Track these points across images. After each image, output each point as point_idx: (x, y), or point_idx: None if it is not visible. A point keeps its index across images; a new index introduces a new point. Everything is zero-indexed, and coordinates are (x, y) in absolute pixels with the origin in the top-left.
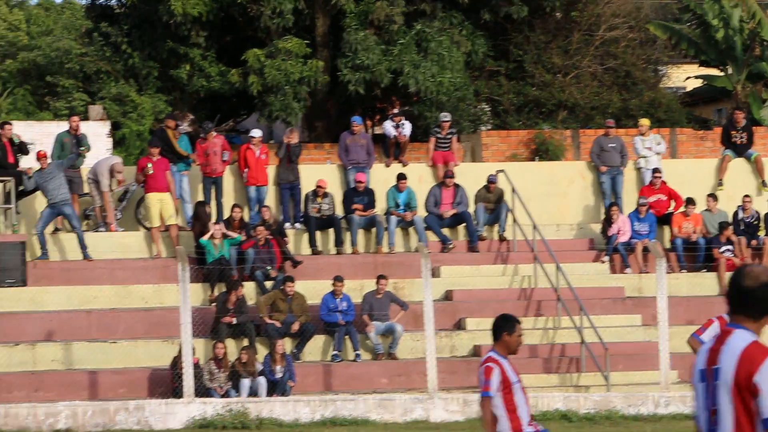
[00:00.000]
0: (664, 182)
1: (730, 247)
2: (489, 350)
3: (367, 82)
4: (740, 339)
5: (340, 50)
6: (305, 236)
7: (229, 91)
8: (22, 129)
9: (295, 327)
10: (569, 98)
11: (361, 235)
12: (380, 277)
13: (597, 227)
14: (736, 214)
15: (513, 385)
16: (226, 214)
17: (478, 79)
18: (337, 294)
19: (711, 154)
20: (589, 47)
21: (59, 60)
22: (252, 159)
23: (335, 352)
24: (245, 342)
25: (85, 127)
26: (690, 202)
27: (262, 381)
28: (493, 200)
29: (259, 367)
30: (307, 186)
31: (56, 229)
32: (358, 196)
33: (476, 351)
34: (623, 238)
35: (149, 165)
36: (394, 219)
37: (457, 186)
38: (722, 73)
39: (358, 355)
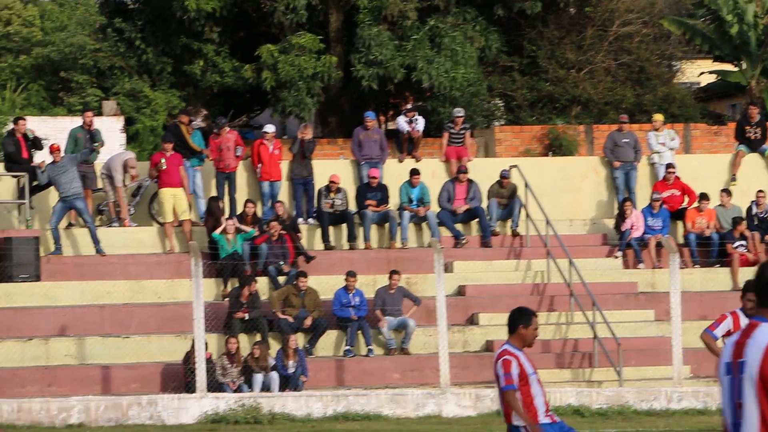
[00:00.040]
0: (677, 177)
1: (743, 242)
2: (504, 343)
3: (380, 78)
4: (766, 332)
5: (354, 46)
6: (318, 231)
7: (243, 86)
8: (36, 124)
9: (308, 322)
10: (583, 93)
11: (374, 230)
12: (393, 273)
13: (610, 222)
14: (749, 209)
15: (530, 376)
16: (239, 210)
17: (492, 74)
18: (349, 289)
19: (725, 149)
20: (602, 42)
21: (73, 56)
22: (265, 154)
23: (348, 347)
24: (258, 337)
25: (99, 123)
26: (703, 197)
27: (274, 376)
28: (506, 195)
29: (271, 362)
30: (320, 181)
31: (70, 225)
32: (371, 191)
33: (489, 346)
34: (636, 233)
35: (162, 160)
36: (407, 214)
37: (470, 181)
38: (736, 69)
39: (370, 350)
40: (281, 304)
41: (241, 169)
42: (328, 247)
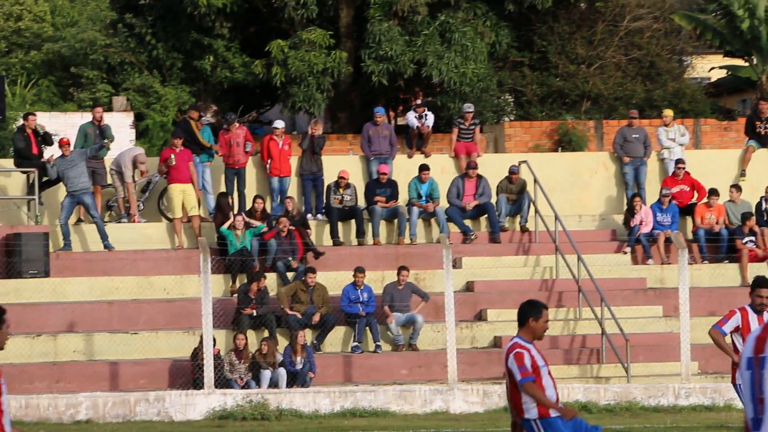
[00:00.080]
0: (687, 173)
1: (752, 238)
2: (514, 336)
3: (390, 73)
4: None
5: (364, 41)
6: (327, 227)
7: (253, 82)
8: (46, 120)
9: (316, 318)
10: (593, 89)
11: (382, 226)
12: (401, 269)
13: (619, 218)
14: (759, 204)
15: (541, 369)
16: (248, 206)
17: (502, 69)
18: (358, 285)
19: (735, 144)
20: (613, 38)
21: (84, 51)
22: (275, 150)
23: (356, 344)
24: (266, 333)
25: (109, 118)
26: (713, 192)
27: (282, 372)
28: (515, 191)
29: (279, 358)
30: (329, 177)
31: (79, 220)
32: (380, 187)
33: (497, 342)
34: (645, 229)
35: (172, 156)
36: (416, 210)
37: (479, 177)
38: (747, 64)
39: (378, 347)
40: (289, 300)
41: (251, 165)
42: (336, 242)
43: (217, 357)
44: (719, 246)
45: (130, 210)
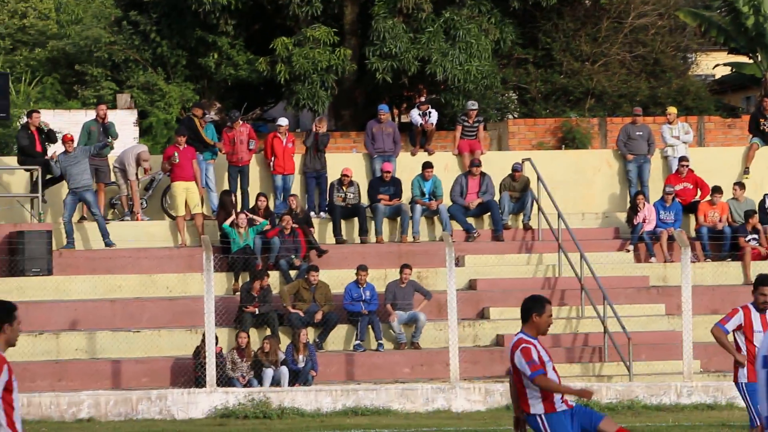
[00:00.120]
0: (690, 170)
1: (756, 235)
2: (518, 332)
3: (394, 71)
4: None
5: (368, 38)
6: (330, 225)
7: (257, 79)
8: (50, 118)
9: (318, 316)
10: (597, 86)
11: (385, 223)
12: (404, 267)
13: (622, 216)
14: (762, 202)
15: (546, 364)
16: (251, 203)
17: (506, 66)
18: (360, 283)
19: (739, 142)
20: (618, 35)
21: (88, 49)
22: (279, 148)
23: (358, 342)
24: (268, 331)
25: (113, 116)
26: (716, 190)
27: (284, 370)
28: (518, 189)
29: (281, 356)
30: (332, 175)
31: (82, 218)
32: (384, 185)
33: (499, 341)
34: (649, 226)
35: (176, 154)
36: (418, 208)
37: (483, 175)
38: (751, 61)
39: (380, 345)
40: (292, 298)
41: (254, 163)
42: (339, 240)
43: (219, 355)
44: (722, 244)
45: (133, 208)
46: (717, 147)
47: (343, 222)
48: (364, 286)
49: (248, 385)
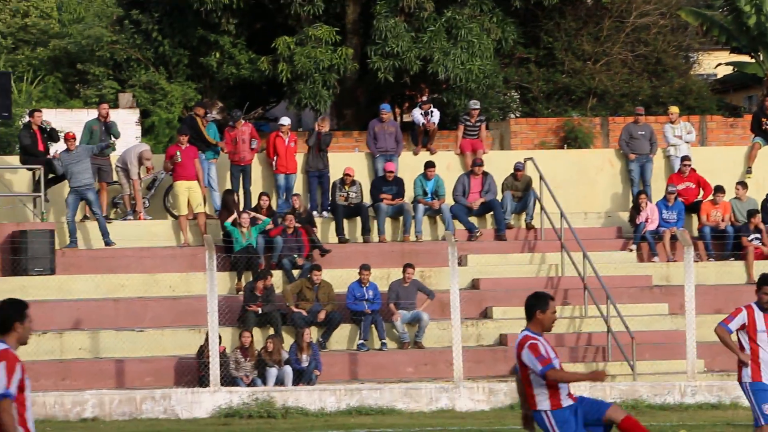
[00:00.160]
0: (693, 170)
1: (758, 235)
2: (523, 330)
3: (396, 70)
4: None
5: (370, 37)
6: (332, 224)
7: (259, 78)
8: (52, 117)
9: (322, 316)
10: (599, 85)
11: (388, 223)
12: (407, 266)
13: (625, 215)
14: (765, 201)
15: (552, 361)
16: (253, 203)
17: (508, 66)
18: (363, 283)
19: (741, 141)
20: (619, 34)
21: (90, 48)
22: (281, 147)
23: (361, 341)
24: (271, 331)
25: (115, 115)
26: (719, 190)
27: (288, 370)
28: (520, 188)
29: (285, 355)
30: (335, 174)
31: (84, 218)
32: (386, 185)
33: (502, 340)
34: (651, 226)
35: (178, 153)
36: (421, 207)
37: (485, 174)
38: (753, 60)
39: (384, 344)
40: (295, 297)
41: (256, 162)
42: (342, 240)
43: (222, 355)
44: (725, 243)
45: (135, 207)
46: (719, 146)
47: (345, 221)
48: (367, 285)
49: (252, 384)
